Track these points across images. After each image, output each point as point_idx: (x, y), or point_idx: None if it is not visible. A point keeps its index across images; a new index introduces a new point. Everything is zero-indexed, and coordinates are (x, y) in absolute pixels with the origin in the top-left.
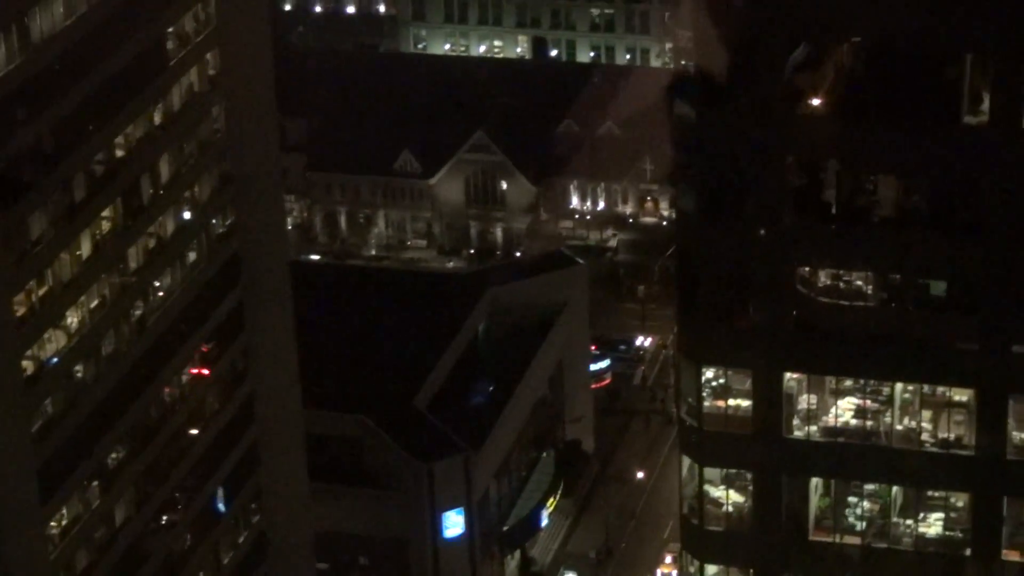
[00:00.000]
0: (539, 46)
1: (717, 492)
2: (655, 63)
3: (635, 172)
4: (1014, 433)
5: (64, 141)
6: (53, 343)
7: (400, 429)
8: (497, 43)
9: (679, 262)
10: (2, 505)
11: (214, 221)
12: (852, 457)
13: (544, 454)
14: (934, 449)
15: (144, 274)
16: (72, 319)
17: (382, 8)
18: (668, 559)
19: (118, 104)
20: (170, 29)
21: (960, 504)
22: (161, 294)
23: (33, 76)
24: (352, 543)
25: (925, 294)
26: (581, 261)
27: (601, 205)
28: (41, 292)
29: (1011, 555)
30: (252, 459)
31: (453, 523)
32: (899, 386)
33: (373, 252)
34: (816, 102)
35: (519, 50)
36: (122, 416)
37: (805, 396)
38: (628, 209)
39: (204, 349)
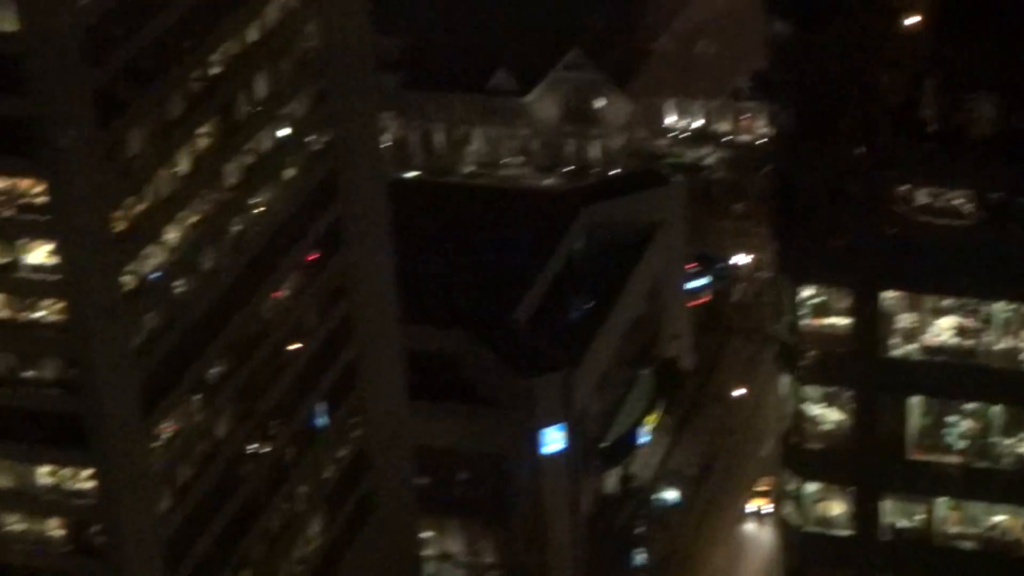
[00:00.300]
0: None
1: (816, 410)
2: None
3: (731, 89)
4: None
5: (161, 58)
6: (152, 259)
7: (499, 345)
8: None
9: (776, 180)
10: (105, 418)
11: (310, 138)
12: (952, 376)
13: (643, 371)
14: None
15: (241, 191)
16: (171, 235)
17: None
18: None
19: (214, 21)
20: None
21: None
22: (259, 210)
23: None
24: (451, 458)
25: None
26: (677, 179)
27: (698, 122)
28: (140, 208)
29: None
30: (351, 375)
31: (552, 439)
32: (999, 305)
33: (470, 169)
34: (913, 19)
35: None
36: (222, 331)
37: (904, 315)
38: (724, 127)
39: (303, 263)
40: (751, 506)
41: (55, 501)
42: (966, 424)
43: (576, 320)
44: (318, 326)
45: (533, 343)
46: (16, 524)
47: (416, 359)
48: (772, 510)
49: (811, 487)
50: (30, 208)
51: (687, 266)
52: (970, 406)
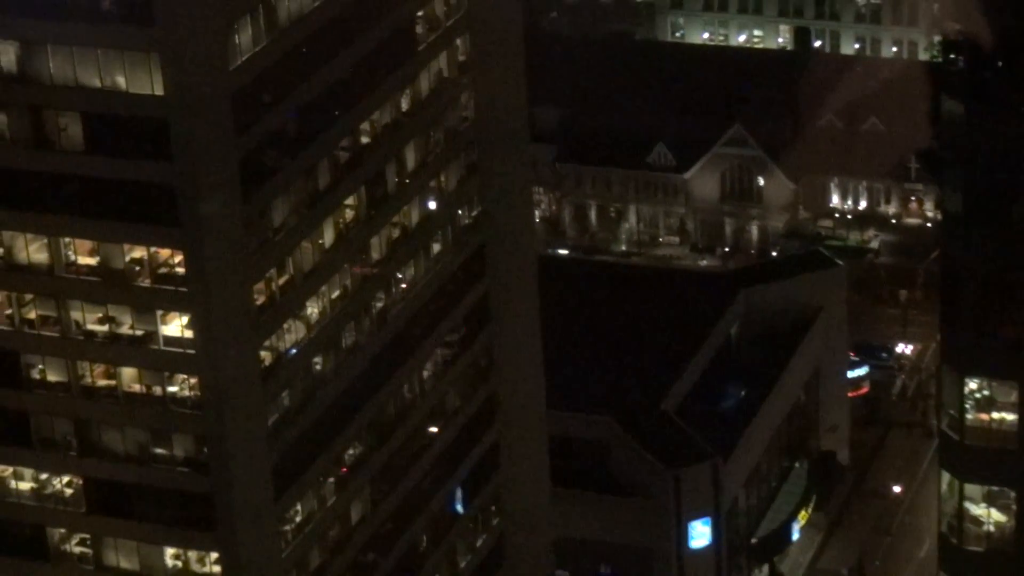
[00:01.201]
0: (802, 36)
1: (978, 510)
2: (922, 56)
3: (899, 170)
4: None
5: (309, 126)
6: (292, 334)
7: (647, 433)
8: (757, 33)
9: (943, 266)
10: (236, 500)
11: (460, 211)
12: None
13: (797, 464)
14: None
15: (387, 265)
16: (312, 309)
17: None
18: None
19: (365, 89)
20: (420, 13)
21: None
22: (404, 286)
23: (279, 59)
24: (593, 550)
25: None
26: (840, 262)
27: (862, 204)
28: (281, 281)
29: None
30: (492, 459)
31: (700, 533)
32: None
33: (623, 248)
34: None
35: (780, 40)
36: (360, 411)
37: None
38: (891, 209)
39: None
40: None
41: None
42: None
43: (729, 408)
44: (460, 407)
45: (682, 432)
46: None
47: (559, 445)
48: None
49: None
50: (168, 278)
51: (847, 355)
52: None
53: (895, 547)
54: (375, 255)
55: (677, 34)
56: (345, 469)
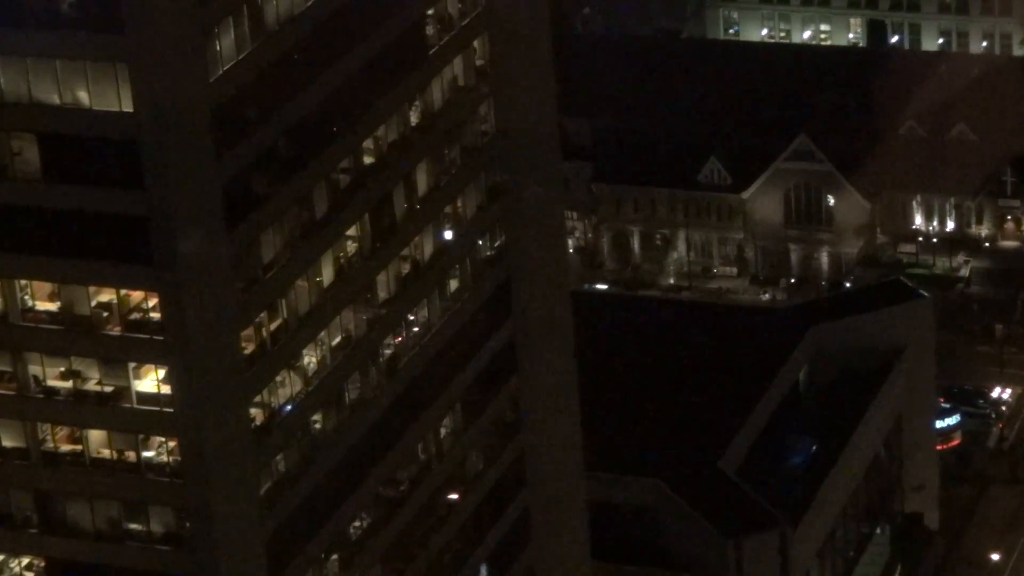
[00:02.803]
0: (876, 31)
1: None
2: (1017, 52)
3: (992, 184)
4: None
5: (303, 145)
6: (287, 388)
7: (702, 496)
8: (824, 28)
9: None
10: None
11: (480, 242)
12: None
13: (878, 530)
14: None
15: (396, 305)
16: (309, 359)
17: None
18: None
19: (368, 101)
20: (430, 11)
21: None
22: (416, 330)
23: (267, 67)
24: None
25: None
26: (925, 294)
27: (950, 225)
28: (273, 326)
29: None
30: (522, 531)
31: None
32: None
33: (672, 281)
34: None
35: (851, 36)
36: (367, 476)
37: None
38: (983, 230)
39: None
40: None
41: None
42: None
43: (798, 466)
44: (484, 470)
45: (743, 494)
46: None
47: (600, 512)
48: None
49: None
50: (141, 325)
51: (935, 401)
52: None
53: None
54: (382, 294)
55: (731, 31)
56: (351, 545)
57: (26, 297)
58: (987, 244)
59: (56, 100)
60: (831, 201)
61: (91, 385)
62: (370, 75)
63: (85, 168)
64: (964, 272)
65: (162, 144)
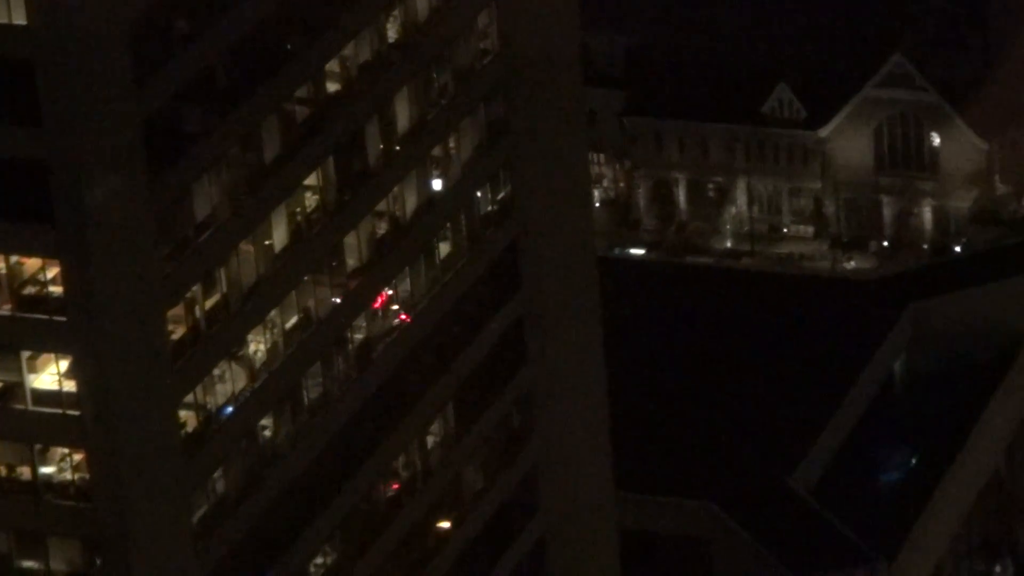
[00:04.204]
0: None
1: None
2: None
3: None
4: None
5: (247, 69)
6: (227, 384)
7: (768, 524)
8: None
9: None
10: None
11: (480, 194)
12: None
13: (998, 567)
14: None
15: (370, 276)
16: (257, 346)
17: None
18: None
19: (331, 12)
20: None
21: None
22: (396, 308)
23: None
24: None
25: None
26: None
27: None
28: (210, 303)
29: None
30: (536, 568)
31: None
32: None
33: (729, 244)
34: None
35: None
36: (333, 499)
37: None
38: None
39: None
40: None
41: None
42: None
43: (892, 484)
44: (485, 491)
45: (821, 521)
46: None
47: (639, 543)
48: None
49: None
50: (37, 302)
51: None
52: None
53: None
54: (351, 262)
55: None
56: None
57: None
58: None
59: None
60: (936, 140)
61: None
62: None
63: None
64: None
65: (65, 67)
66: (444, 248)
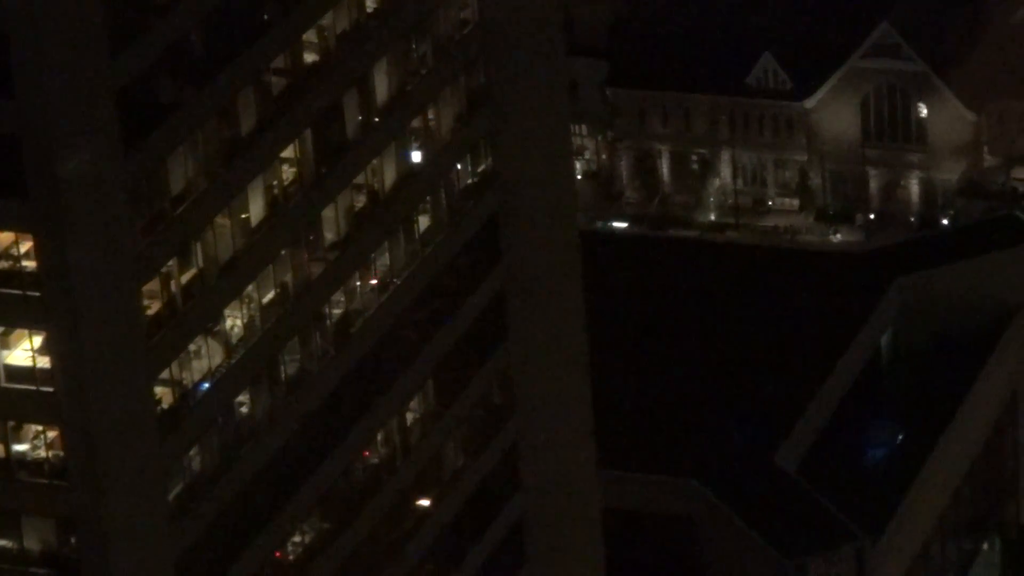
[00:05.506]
0: None
1: None
2: None
3: None
4: None
5: (223, 39)
6: (203, 360)
7: (754, 502)
8: None
9: None
10: None
11: (460, 166)
12: None
13: (985, 545)
14: None
15: (348, 250)
16: (234, 321)
17: None
18: None
19: None
20: None
21: None
22: (374, 283)
23: None
24: None
25: None
26: None
27: None
28: (185, 278)
29: None
30: (516, 547)
31: None
32: None
33: (712, 217)
34: None
35: None
36: (310, 476)
37: None
38: None
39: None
40: None
41: None
42: None
43: (879, 461)
44: (465, 468)
45: (807, 499)
46: None
47: (621, 522)
48: None
49: None
50: (10, 277)
51: None
52: None
53: None
54: (329, 236)
55: None
56: (288, 568)
57: None
58: None
59: None
60: (923, 112)
61: None
62: None
63: None
64: None
65: (37, 36)
66: (424, 221)
